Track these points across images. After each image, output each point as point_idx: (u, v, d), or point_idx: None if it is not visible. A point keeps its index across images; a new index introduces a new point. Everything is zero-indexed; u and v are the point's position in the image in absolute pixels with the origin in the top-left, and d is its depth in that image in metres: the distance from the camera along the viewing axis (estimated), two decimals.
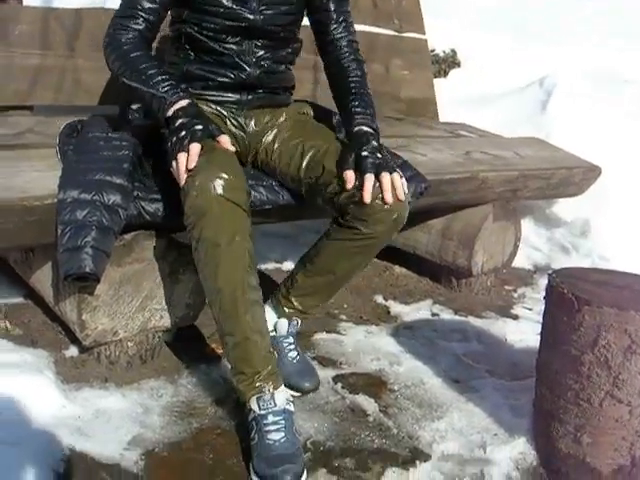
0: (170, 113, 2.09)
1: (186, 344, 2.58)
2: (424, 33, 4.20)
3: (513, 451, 2.19)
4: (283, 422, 2.03)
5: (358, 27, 3.85)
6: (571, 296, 2.02)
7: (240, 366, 2.07)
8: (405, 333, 2.92)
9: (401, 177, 2.22)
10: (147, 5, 2.27)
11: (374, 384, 2.50)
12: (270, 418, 2.03)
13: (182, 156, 1.97)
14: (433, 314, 3.20)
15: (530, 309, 3.39)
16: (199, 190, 1.93)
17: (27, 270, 2.54)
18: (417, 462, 2.11)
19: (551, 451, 2.14)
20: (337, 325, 2.93)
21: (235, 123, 2.46)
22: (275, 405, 2.04)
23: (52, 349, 2.43)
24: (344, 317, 3.02)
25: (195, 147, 1.98)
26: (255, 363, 2.06)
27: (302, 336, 2.69)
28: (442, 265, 3.45)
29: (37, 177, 2.17)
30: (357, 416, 2.31)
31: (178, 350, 2.54)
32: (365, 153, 2.20)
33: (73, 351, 2.43)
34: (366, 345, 2.77)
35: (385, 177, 2.15)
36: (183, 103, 2.11)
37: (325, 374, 2.50)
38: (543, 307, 3.25)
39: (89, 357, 2.39)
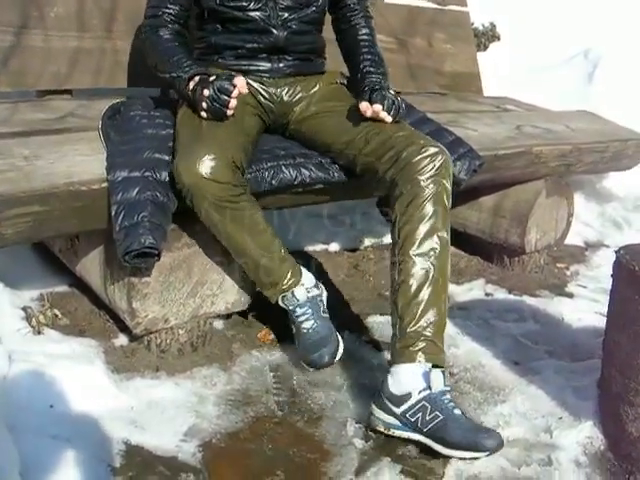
0: (189, 89, 2.22)
1: (238, 330, 2.53)
2: (466, 5, 4.09)
3: (580, 435, 2.10)
4: (310, 311, 2.32)
5: (400, 1, 3.81)
6: None
7: (260, 280, 2.31)
8: (460, 314, 2.84)
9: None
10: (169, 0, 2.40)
11: None
12: (298, 310, 2.32)
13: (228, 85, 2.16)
14: (487, 294, 3.12)
15: (585, 287, 3.29)
16: (184, 171, 2.04)
17: (73, 258, 2.49)
18: None
19: (620, 435, 2.05)
20: (389, 307, 2.83)
21: (266, 95, 2.46)
22: (298, 300, 2.31)
23: (101, 338, 2.38)
24: None
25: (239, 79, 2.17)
26: (273, 276, 2.28)
27: (355, 319, 2.65)
28: (494, 243, 3.36)
29: (81, 161, 2.12)
30: None
31: (230, 337, 2.49)
32: (377, 89, 2.32)
33: (122, 340, 2.39)
34: None
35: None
36: (197, 79, 2.22)
37: (381, 358, 2.43)
38: (598, 285, 3.26)
39: (139, 346, 2.35)
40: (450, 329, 2.66)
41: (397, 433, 2.02)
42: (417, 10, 3.89)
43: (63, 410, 1.95)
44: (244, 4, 2.38)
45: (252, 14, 2.38)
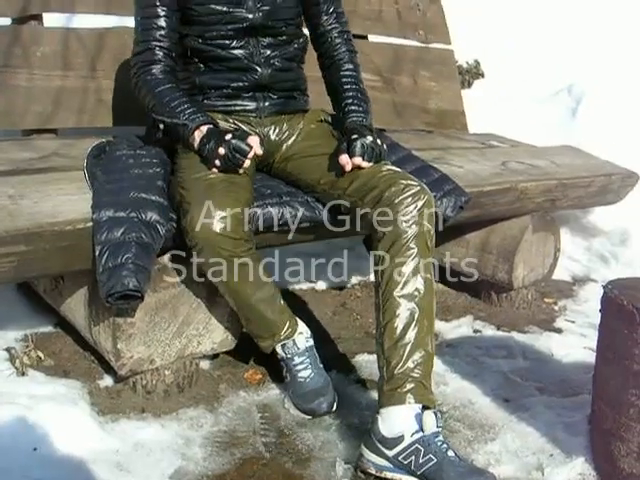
0: (195, 139, 2.23)
1: (224, 370, 2.50)
2: (450, 43, 4.11)
3: (572, 472, 2.08)
4: (308, 360, 2.34)
5: (383, 39, 3.85)
6: (632, 308, 1.91)
7: (259, 333, 2.32)
8: (448, 351, 2.82)
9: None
10: (158, 35, 2.36)
11: None
12: (296, 359, 2.33)
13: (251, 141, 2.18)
14: (475, 330, 3.09)
15: (573, 322, 3.28)
16: (199, 227, 2.03)
17: (57, 298, 2.47)
18: None
19: (612, 471, 2.03)
20: None
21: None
22: (298, 349, 2.33)
23: (86, 379, 2.35)
24: None
25: (254, 139, 2.19)
26: (271, 328, 2.30)
27: (343, 357, 2.62)
28: (481, 280, 3.34)
29: (66, 201, 2.11)
30: None
31: (216, 377, 2.46)
32: (356, 138, 2.25)
33: (108, 381, 2.36)
34: None
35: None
36: (204, 129, 2.24)
37: (369, 397, 2.40)
38: (586, 319, 3.25)
39: (124, 387, 2.32)
40: (439, 366, 2.64)
41: (389, 475, 1.99)
42: (402, 49, 3.90)
43: (47, 453, 1.92)
44: (227, 42, 2.38)
45: (235, 52, 2.39)
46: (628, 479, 1.98)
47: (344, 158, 2.23)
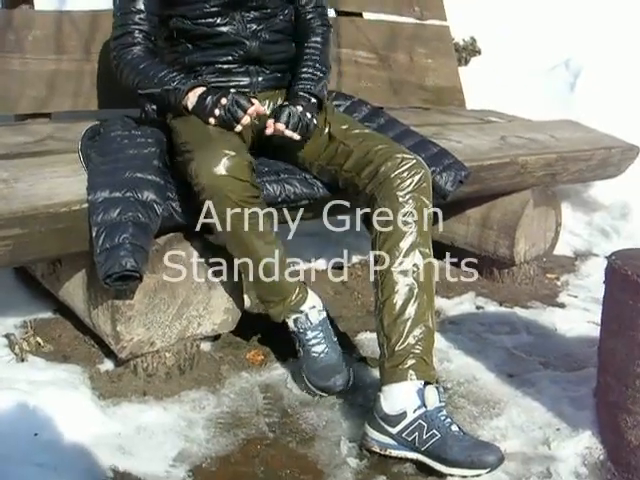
0: (189, 99, 2.25)
1: (226, 352, 2.48)
2: (445, 20, 4.07)
3: (578, 446, 2.07)
4: (321, 334, 2.27)
5: (379, 16, 3.80)
6: (636, 278, 1.89)
7: (269, 297, 2.26)
8: (451, 328, 2.80)
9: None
10: (137, 18, 2.36)
11: None
12: (309, 334, 2.26)
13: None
14: (477, 307, 3.08)
15: (575, 296, 3.26)
16: (205, 171, 2.00)
17: (55, 283, 2.45)
18: None
19: (620, 444, 2.01)
20: None
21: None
22: (311, 323, 2.26)
23: (86, 364, 2.33)
24: None
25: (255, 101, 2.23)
26: (282, 292, 2.23)
27: (345, 336, 2.60)
28: (483, 256, 3.32)
29: (62, 183, 2.08)
30: None
31: (218, 358, 2.44)
32: (285, 105, 2.29)
33: (108, 365, 2.34)
34: None
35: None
36: (198, 91, 2.26)
37: (372, 375, 2.37)
38: (588, 294, 3.23)
39: (125, 370, 2.29)
40: (442, 343, 2.62)
41: (394, 453, 1.98)
42: (398, 26, 3.86)
43: (48, 438, 1.90)
44: (211, 20, 2.37)
45: (221, 29, 2.38)
46: (635, 451, 1.96)
47: (269, 122, 2.25)
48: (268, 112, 2.42)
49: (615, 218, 3.80)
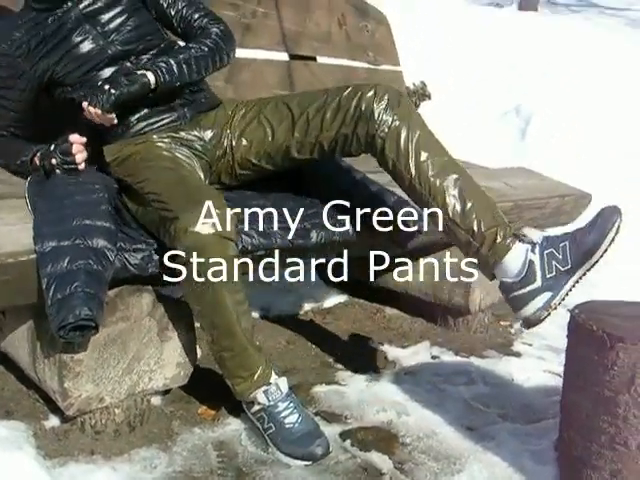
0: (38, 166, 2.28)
1: (177, 406, 2.38)
2: (399, 65, 4.09)
3: None
4: (292, 404, 2.18)
5: (333, 61, 3.79)
6: (602, 333, 1.86)
7: (237, 372, 2.16)
8: (407, 379, 2.73)
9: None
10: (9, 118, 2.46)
11: (384, 438, 2.31)
12: (281, 405, 2.16)
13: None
14: (433, 357, 3.02)
15: (530, 345, 3.24)
16: (189, 232, 1.94)
17: None
18: None
19: None
20: (335, 375, 2.73)
21: (194, 138, 2.42)
22: (282, 393, 2.17)
23: (30, 420, 2.21)
24: (340, 366, 2.83)
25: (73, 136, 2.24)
26: (251, 366, 2.15)
27: (300, 390, 2.51)
28: (437, 304, 3.28)
29: (7, 231, 1.99)
30: (371, 476, 2.11)
31: (169, 414, 2.34)
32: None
33: (54, 421, 2.22)
34: (369, 395, 2.57)
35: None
36: (39, 154, 2.29)
37: (331, 431, 2.30)
38: (542, 342, 3.21)
39: (72, 427, 2.18)
40: (399, 396, 2.57)
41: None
42: (352, 70, 3.87)
43: None
44: (100, 72, 2.37)
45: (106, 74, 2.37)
46: None
47: (84, 105, 2.25)
48: (210, 135, 2.44)
49: None
